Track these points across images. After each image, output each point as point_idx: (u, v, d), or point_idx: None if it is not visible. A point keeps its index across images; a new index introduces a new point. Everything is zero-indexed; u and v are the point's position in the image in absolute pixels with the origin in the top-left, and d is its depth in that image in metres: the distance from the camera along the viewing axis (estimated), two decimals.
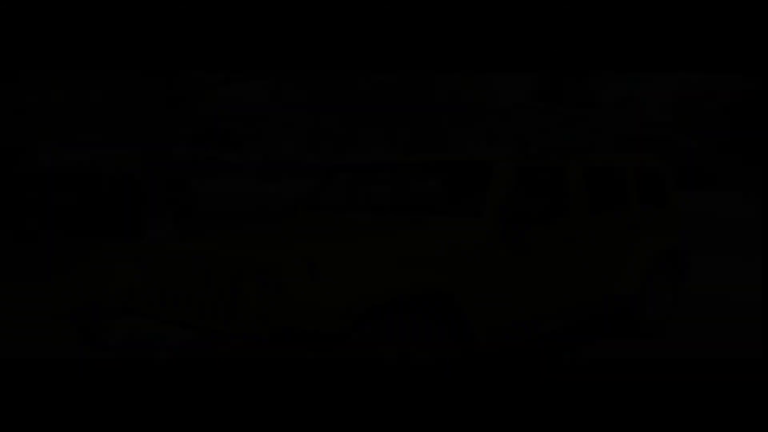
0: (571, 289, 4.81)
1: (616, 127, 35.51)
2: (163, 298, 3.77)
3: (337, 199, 5.37)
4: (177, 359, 3.21)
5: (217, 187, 20.77)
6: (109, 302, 3.95)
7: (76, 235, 12.40)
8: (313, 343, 3.12)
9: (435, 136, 39.13)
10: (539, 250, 4.42)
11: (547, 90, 48.51)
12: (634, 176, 5.56)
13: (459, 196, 4.71)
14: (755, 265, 9.63)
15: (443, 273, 3.76)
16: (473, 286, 3.96)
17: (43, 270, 8.58)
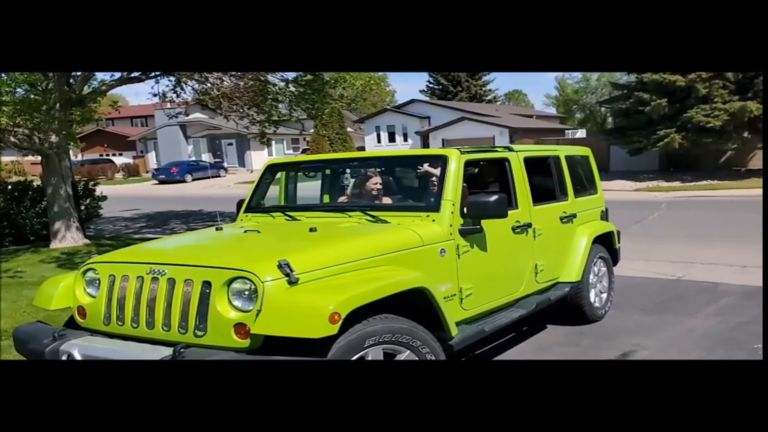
0: (524, 279, 4.88)
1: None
2: (120, 314, 3.49)
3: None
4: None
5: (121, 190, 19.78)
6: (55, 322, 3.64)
7: None
8: (298, 352, 2.98)
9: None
10: (493, 241, 4.44)
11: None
12: (568, 165, 5.71)
13: (415, 189, 4.66)
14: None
15: (413, 270, 3.70)
16: (440, 280, 3.93)
17: None
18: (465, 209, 4.19)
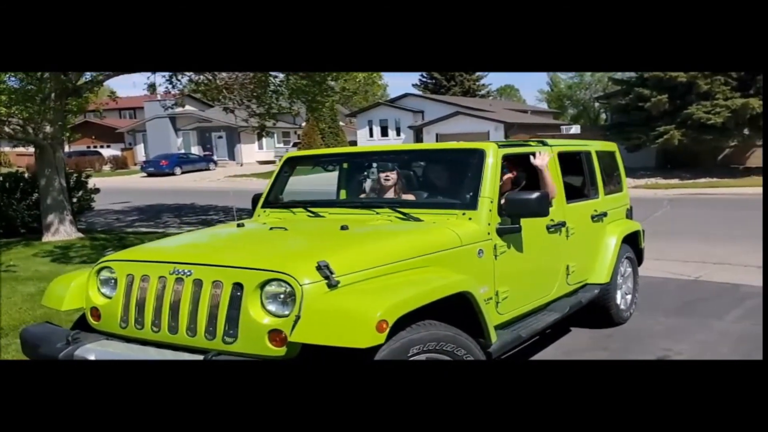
0: (557, 281, 4.64)
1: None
2: (139, 317, 3.21)
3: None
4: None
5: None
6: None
7: None
8: (342, 362, 2.71)
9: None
10: (528, 241, 4.19)
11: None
12: (598, 161, 5.48)
13: (442, 185, 4.37)
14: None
15: (457, 272, 3.45)
16: (478, 282, 3.66)
17: None
18: (503, 207, 3.94)
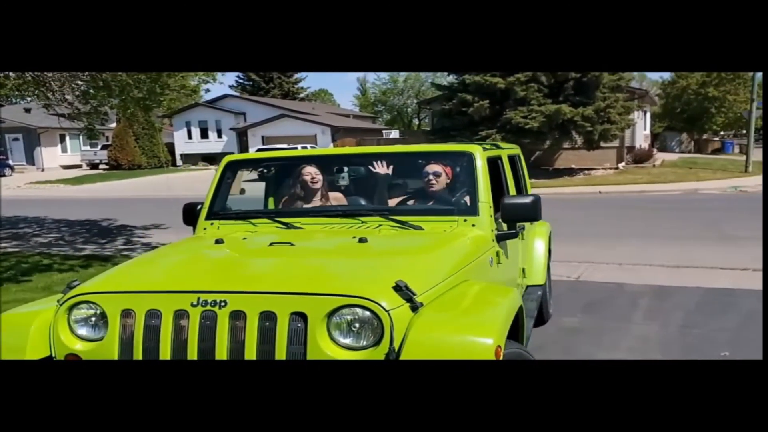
0: (517, 286, 4.61)
1: None
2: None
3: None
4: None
5: None
6: None
7: None
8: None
9: None
10: (509, 247, 4.11)
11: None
12: (519, 164, 5.57)
13: (431, 190, 4.09)
14: None
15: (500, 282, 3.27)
16: None
17: None
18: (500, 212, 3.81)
